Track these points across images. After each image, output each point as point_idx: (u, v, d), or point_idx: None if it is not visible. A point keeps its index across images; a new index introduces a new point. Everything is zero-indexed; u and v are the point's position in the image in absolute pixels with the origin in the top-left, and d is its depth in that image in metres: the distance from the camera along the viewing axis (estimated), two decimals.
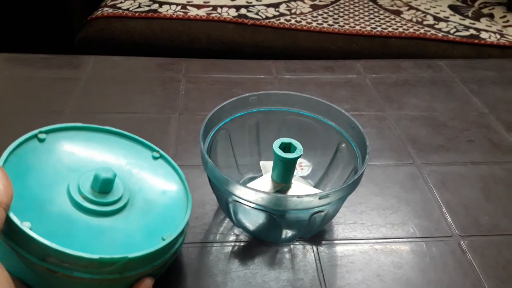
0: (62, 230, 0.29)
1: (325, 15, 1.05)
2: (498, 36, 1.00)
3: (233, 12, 1.02)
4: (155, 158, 0.39)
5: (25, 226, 0.27)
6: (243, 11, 1.03)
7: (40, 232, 0.27)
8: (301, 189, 0.40)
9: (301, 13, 1.05)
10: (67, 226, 0.29)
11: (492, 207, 0.46)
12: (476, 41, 0.98)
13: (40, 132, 0.34)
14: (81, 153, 0.35)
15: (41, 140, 0.34)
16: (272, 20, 1.01)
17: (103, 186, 0.32)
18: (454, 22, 1.05)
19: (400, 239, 0.42)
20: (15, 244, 0.27)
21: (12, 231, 0.27)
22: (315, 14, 1.06)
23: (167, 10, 1.01)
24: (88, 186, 0.32)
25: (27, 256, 0.27)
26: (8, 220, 0.26)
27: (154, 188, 0.36)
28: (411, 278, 0.39)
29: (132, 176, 0.36)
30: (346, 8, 1.10)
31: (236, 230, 0.42)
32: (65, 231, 0.29)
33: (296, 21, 1.01)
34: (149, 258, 0.30)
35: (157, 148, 0.39)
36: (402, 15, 1.07)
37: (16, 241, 0.27)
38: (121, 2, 1.04)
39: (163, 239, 0.31)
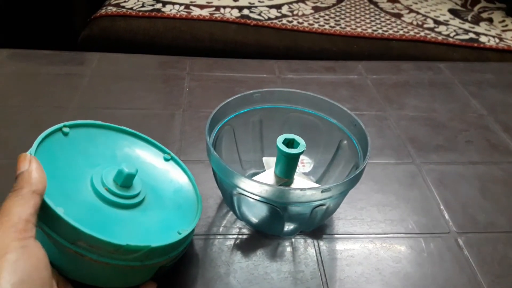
0: (89, 218, 0.31)
1: (326, 17, 1.07)
2: (497, 40, 1.01)
3: (236, 13, 1.03)
4: (166, 159, 0.41)
5: (60, 211, 0.28)
6: (245, 11, 1.04)
7: (71, 217, 0.28)
8: (303, 184, 0.41)
9: (303, 14, 1.07)
10: (93, 214, 0.31)
11: (489, 205, 0.47)
12: (476, 44, 0.99)
13: (65, 126, 0.36)
14: (101, 149, 0.37)
15: (65, 134, 0.35)
16: (274, 21, 1.02)
17: (126, 180, 0.33)
18: (454, 25, 1.07)
19: (399, 235, 0.43)
20: (47, 226, 0.29)
21: (45, 215, 0.28)
22: (316, 16, 1.07)
23: (171, 10, 1.02)
24: (110, 179, 0.33)
25: (57, 239, 0.29)
26: (43, 204, 0.28)
27: (167, 187, 0.38)
28: (409, 272, 0.40)
29: (146, 175, 0.38)
30: (348, 10, 1.12)
31: (239, 223, 0.43)
32: (91, 219, 0.31)
33: (298, 22, 1.02)
34: (168, 249, 0.32)
35: (168, 150, 0.41)
36: (402, 18, 1.09)
37: (48, 224, 0.28)
38: (124, 1, 1.05)
39: (179, 233, 0.33)
